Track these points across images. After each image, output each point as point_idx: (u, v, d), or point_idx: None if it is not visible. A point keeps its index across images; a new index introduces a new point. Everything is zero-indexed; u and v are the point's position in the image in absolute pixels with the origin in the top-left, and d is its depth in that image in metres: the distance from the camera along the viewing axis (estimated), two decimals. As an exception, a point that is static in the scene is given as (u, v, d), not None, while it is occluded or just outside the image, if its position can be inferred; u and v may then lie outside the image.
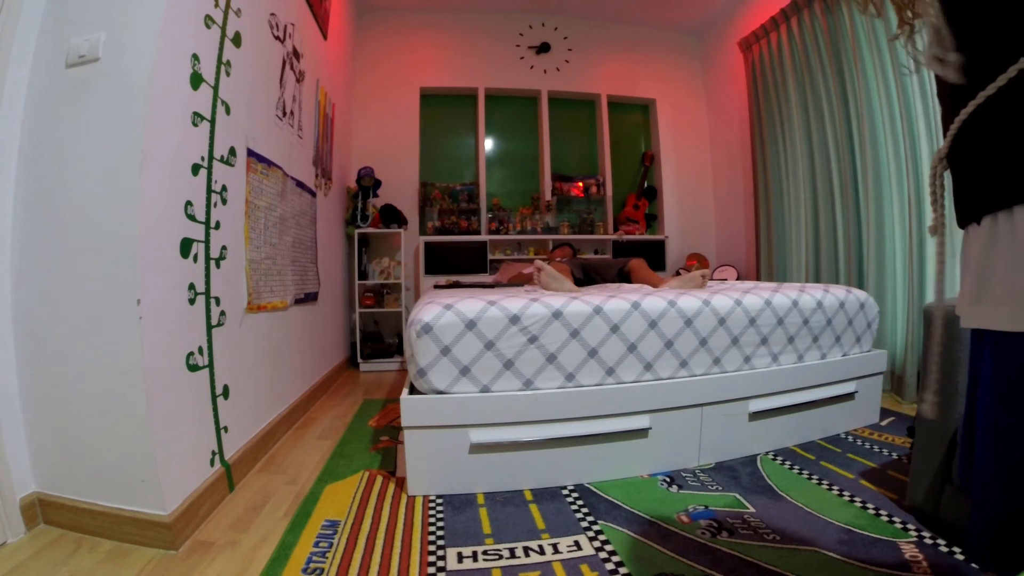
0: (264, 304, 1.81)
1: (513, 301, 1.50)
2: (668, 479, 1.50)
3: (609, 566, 1.06)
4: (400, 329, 3.65)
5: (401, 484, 1.49)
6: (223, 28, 1.52)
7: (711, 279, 3.23)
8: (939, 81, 0.56)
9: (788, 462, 1.60)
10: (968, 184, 0.54)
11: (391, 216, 3.46)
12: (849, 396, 1.84)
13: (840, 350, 1.85)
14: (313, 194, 2.54)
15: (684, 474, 1.54)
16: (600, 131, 4.17)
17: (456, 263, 3.63)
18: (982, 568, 0.59)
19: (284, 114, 2.09)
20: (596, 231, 4.01)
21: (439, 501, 1.38)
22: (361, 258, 3.44)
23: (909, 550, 1.09)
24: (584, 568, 1.06)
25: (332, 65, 2.99)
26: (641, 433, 1.52)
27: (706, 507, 1.32)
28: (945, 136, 0.55)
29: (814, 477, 1.48)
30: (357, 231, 3.34)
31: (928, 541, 1.12)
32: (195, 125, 1.36)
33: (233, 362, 1.56)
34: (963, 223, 0.56)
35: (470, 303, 1.47)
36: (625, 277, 2.58)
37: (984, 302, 0.52)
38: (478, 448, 1.42)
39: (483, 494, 1.42)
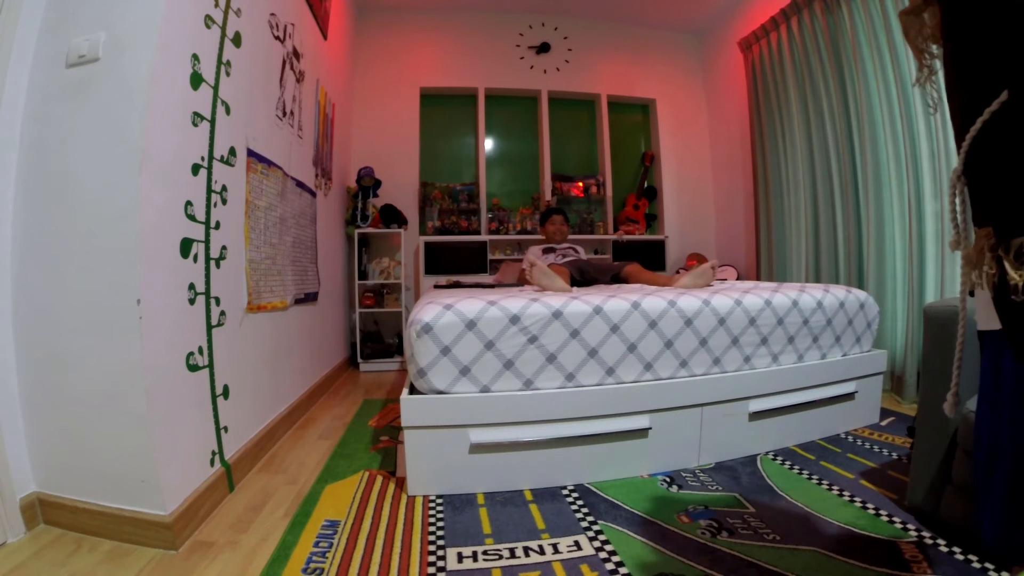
0: (264, 304, 1.81)
1: (513, 301, 1.50)
2: (668, 479, 1.50)
3: (609, 566, 1.06)
4: (400, 329, 3.64)
5: (401, 484, 1.49)
6: (223, 28, 1.52)
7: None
8: (950, 99, 0.57)
9: (788, 462, 1.60)
10: (986, 202, 0.55)
11: (391, 216, 3.46)
12: (849, 396, 1.84)
13: (840, 350, 1.85)
14: (313, 194, 2.54)
15: (684, 474, 1.54)
16: (600, 131, 4.17)
17: (456, 263, 3.63)
18: (1001, 554, 0.62)
19: (284, 114, 2.09)
20: (596, 231, 4.01)
21: (439, 501, 1.38)
22: (361, 258, 3.44)
23: (909, 550, 1.09)
24: (584, 568, 1.06)
25: (332, 65, 2.99)
26: (641, 433, 1.52)
27: (706, 507, 1.32)
28: (959, 153, 0.56)
29: (814, 477, 1.48)
30: (357, 231, 3.34)
31: (928, 541, 1.12)
32: (195, 125, 1.36)
33: (233, 362, 1.56)
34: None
35: (470, 303, 1.47)
36: (620, 282, 2.57)
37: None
38: (478, 448, 1.42)
39: (483, 494, 1.42)
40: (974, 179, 0.55)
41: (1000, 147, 0.50)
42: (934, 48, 0.66)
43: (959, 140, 0.55)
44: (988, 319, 0.56)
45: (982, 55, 0.51)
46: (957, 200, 0.59)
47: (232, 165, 1.58)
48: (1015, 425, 0.58)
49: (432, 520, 1.28)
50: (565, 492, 1.43)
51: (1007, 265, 0.48)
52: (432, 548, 1.15)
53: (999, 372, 0.59)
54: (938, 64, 0.64)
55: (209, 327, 1.42)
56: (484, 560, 1.10)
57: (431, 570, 1.06)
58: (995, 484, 0.61)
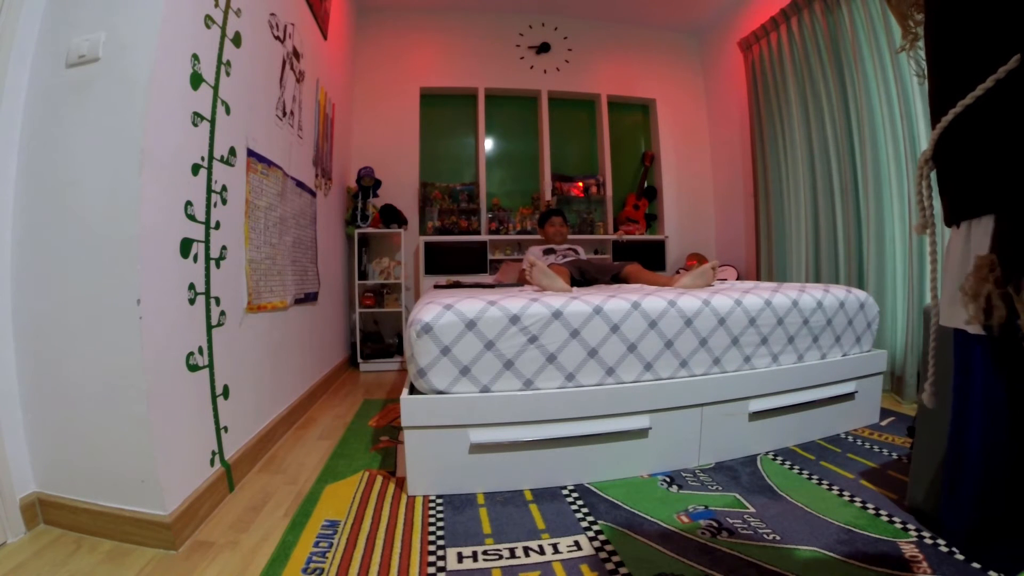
0: (264, 304, 1.81)
1: (513, 301, 1.50)
2: (668, 479, 1.50)
3: (609, 566, 1.06)
4: (400, 329, 3.65)
5: (401, 484, 1.49)
6: (223, 28, 1.52)
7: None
8: (930, 84, 0.56)
9: (788, 462, 1.60)
10: (950, 188, 0.55)
11: (391, 216, 3.46)
12: (849, 396, 1.84)
13: (840, 350, 1.85)
14: (313, 194, 2.54)
15: (684, 474, 1.53)
16: (600, 131, 4.17)
17: (456, 263, 3.63)
18: (969, 556, 0.60)
19: (284, 114, 2.09)
20: (596, 231, 4.01)
21: (439, 501, 1.38)
22: (361, 258, 3.44)
23: (909, 550, 1.09)
24: (584, 568, 1.06)
25: (332, 65, 2.99)
26: (641, 433, 1.52)
27: (706, 507, 1.32)
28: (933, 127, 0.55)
29: (814, 477, 1.48)
30: (357, 231, 3.34)
31: (928, 541, 1.12)
32: (195, 125, 1.36)
33: (233, 362, 1.56)
34: (949, 223, 0.57)
35: (470, 303, 1.47)
36: (620, 282, 2.57)
37: (960, 303, 0.53)
38: (478, 448, 1.42)
39: (483, 494, 1.42)
40: (945, 168, 0.54)
41: (988, 136, 0.47)
42: (919, 16, 0.64)
43: (935, 121, 0.54)
44: (954, 315, 0.55)
45: (967, 25, 0.49)
46: (923, 184, 0.58)
47: (232, 165, 1.58)
48: (984, 427, 0.56)
49: (432, 520, 1.28)
50: (565, 492, 1.43)
51: (1019, 307, 0.43)
52: (432, 548, 1.15)
53: (968, 371, 0.57)
54: (923, 31, 0.61)
55: (209, 327, 1.42)
56: (484, 560, 1.10)
57: (431, 570, 1.06)
58: (962, 490, 0.59)
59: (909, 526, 1.18)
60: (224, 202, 1.52)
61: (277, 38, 2.00)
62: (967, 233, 0.52)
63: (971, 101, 0.47)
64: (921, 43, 0.64)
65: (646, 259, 3.61)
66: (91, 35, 1.18)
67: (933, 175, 0.58)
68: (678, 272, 2.44)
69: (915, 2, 0.63)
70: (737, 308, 1.65)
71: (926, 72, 0.57)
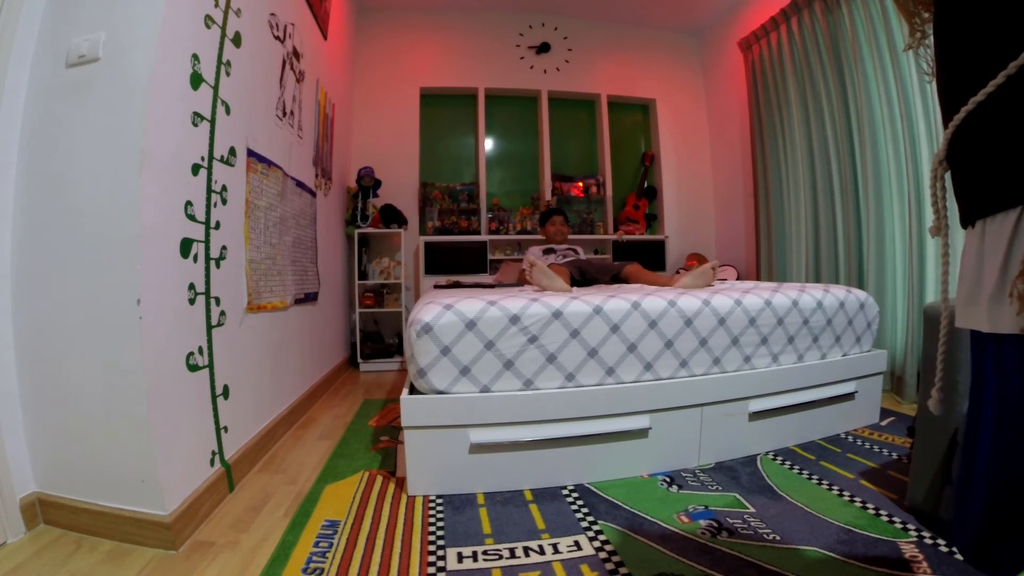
0: (264, 304, 1.81)
1: (513, 301, 1.50)
2: (668, 479, 1.50)
3: (609, 566, 1.06)
4: (400, 329, 3.65)
5: (401, 484, 1.49)
6: (223, 28, 1.52)
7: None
8: (939, 83, 0.56)
9: (788, 462, 1.60)
10: (964, 187, 0.54)
11: (391, 216, 3.46)
12: (849, 396, 1.84)
13: (840, 350, 1.85)
14: (313, 194, 2.54)
15: (684, 474, 1.53)
16: (600, 131, 4.17)
17: (456, 263, 3.63)
18: (975, 565, 0.59)
19: (284, 114, 2.09)
20: (596, 231, 4.01)
21: (439, 501, 1.38)
22: (361, 258, 3.44)
23: (909, 550, 1.09)
24: (584, 568, 1.06)
25: (332, 65, 2.99)
26: (641, 433, 1.52)
27: (706, 507, 1.32)
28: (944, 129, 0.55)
29: (814, 477, 1.48)
30: (357, 231, 3.35)
31: (928, 541, 1.12)
32: (195, 125, 1.36)
33: (233, 362, 1.56)
34: (964, 224, 0.57)
35: (470, 303, 1.47)
36: (620, 282, 2.57)
37: (976, 303, 0.53)
38: (478, 448, 1.42)
39: (483, 494, 1.42)
40: (960, 167, 0.54)
41: (1009, 130, 0.46)
42: (926, 14, 0.64)
43: (946, 121, 0.54)
44: (971, 316, 0.55)
45: (976, 21, 0.48)
46: (938, 186, 0.58)
47: (232, 165, 1.58)
48: (995, 429, 0.56)
49: (432, 520, 1.28)
50: (565, 492, 1.43)
51: None
52: (432, 548, 1.15)
53: (981, 374, 0.57)
54: (931, 29, 0.61)
55: (209, 327, 1.42)
56: (484, 560, 1.10)
57: (431, 570, 1.06)
58: (972, 492, 0.58)
59: (909, 526, 1.19)
60: (224, 202, 1.52)
61: (277, 38, 2.00)
62: (982, 232, 0.52)
63: (983, 98, 0.46)
64: (928, 41, 0.64)
65: (646, 259, 3.61)
66: (91, 35, 1.18)
67: (947, 176, 0.58)
68: (678, 272, 2.44)
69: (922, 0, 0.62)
70: (737, 308, 1.65)
71: (934, 71, 0.57)
